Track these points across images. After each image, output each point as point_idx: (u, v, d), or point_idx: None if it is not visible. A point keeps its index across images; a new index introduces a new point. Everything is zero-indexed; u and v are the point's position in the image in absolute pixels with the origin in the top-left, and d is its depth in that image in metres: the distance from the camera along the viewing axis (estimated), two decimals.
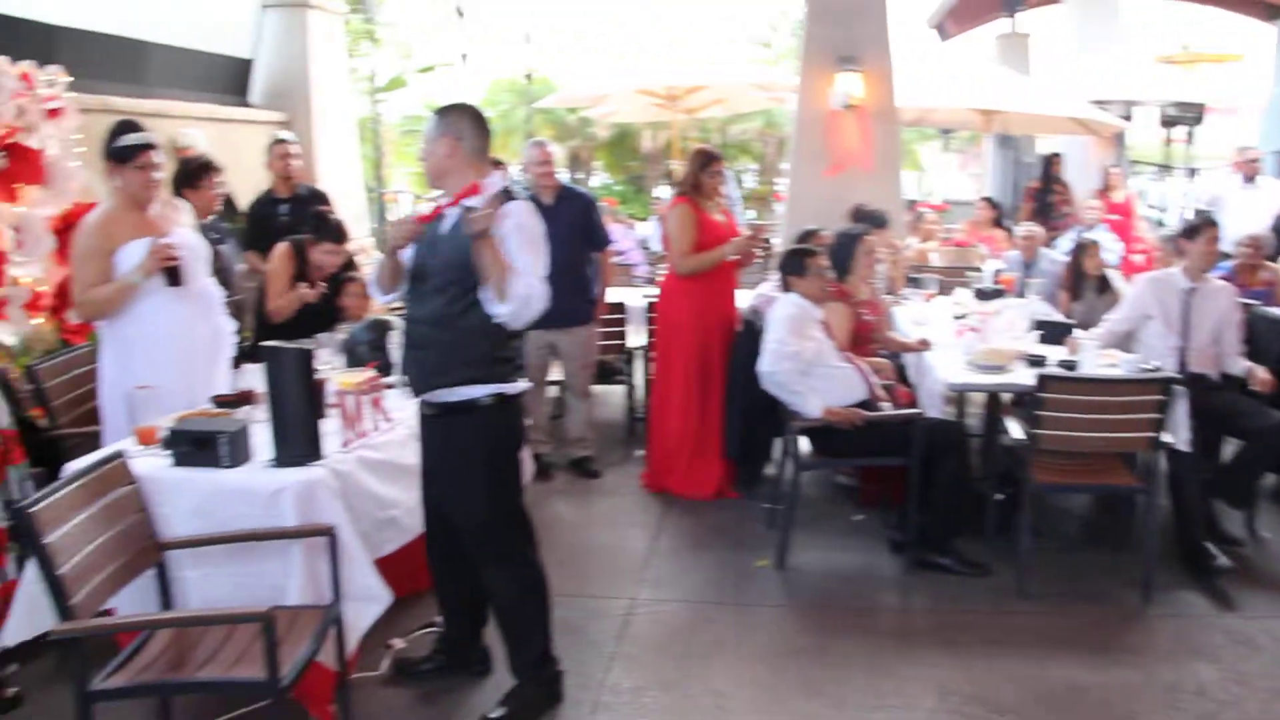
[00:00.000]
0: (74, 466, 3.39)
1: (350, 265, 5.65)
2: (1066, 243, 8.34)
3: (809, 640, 4.27)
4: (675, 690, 3.86)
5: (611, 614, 4.48)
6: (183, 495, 3.41)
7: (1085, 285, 6.91)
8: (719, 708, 3.73)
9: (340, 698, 3.44)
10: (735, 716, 3.68)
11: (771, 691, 3.85)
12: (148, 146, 4.19)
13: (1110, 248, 8.61)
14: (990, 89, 10.92)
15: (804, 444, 4.98)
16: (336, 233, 5.45)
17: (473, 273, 3.33)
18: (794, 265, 5.11)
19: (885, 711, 3.70)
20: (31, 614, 3.30)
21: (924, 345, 5.59)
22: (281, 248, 5.43)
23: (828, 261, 5.24)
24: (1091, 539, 5.39)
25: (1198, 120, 14.48)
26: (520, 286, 3.30)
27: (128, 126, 4.23)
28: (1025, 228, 8.14)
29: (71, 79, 5.77)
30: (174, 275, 4.16)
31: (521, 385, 3.52)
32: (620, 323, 6.87)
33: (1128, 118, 13.28)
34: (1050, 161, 10.97)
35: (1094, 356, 5.03)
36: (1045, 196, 10.59)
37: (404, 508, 3.86)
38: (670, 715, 3.69)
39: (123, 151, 4.16)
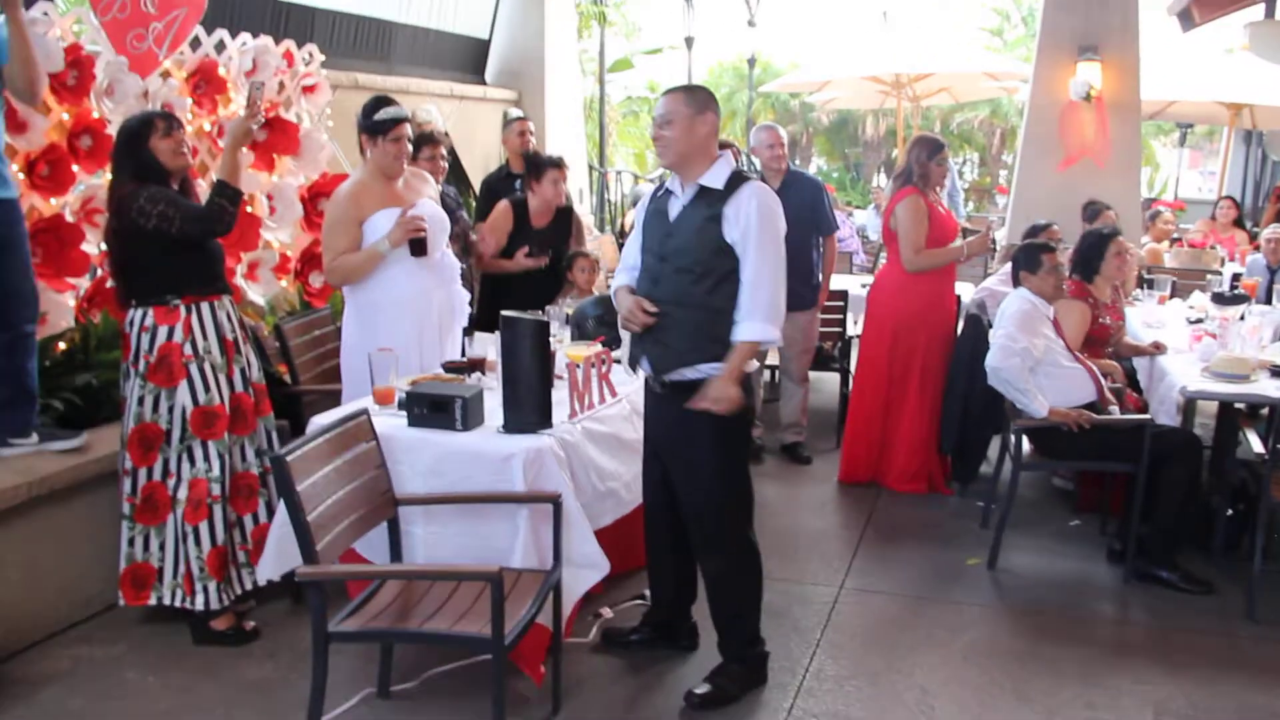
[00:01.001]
0: (321, 420, 3.61)
1: (579, 237, 5.78)
2: None
3: (1019, 643, 4.18)
4: (880, 682, 3.84)
5: (818, 600, 4.49)
6: (418, 454, 3.58)
7: None
8: (924, 704, 3.69)
9: (552, 660, 3.56)
10: (940, 714, 3.63)
11: (978, 692, 3.78)
12: (402, 120, 4.40)
13: None
14: (1239, 81, 10.35)
15: (1025, 443, 4.86)
16: (553, 161, 5.61)
17: (717, 253, 3.38)
18: (1029, 261, 4.97)
19: None
20: (280, 554, 3.54)
21: (1159, 349, 5.38)
22: (502, 205, 5.59)
23: (1062, 259, 5.07)
24: None
25: None
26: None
27: (382, 102, 4.43)
28: (1273, 229, 7.67)
29: (324, 57, 6.11)
30: (419, 246, 4.35)
31: (753, 364, 3.56)
32: (840, 310, 6.82)
33: None
34: None
35: None
36: None
37: (623, 481, 3.95)
38: (873, 706, 3.67)
39: (379, 125, 4.36)
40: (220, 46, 5.39)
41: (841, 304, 6.81)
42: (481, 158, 8.56)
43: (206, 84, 5.28)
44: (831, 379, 7.30)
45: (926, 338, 5.70)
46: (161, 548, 3.93)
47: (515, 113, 8.55)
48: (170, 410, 3.89)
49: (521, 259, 5.44)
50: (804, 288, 6.01)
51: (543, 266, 5.49)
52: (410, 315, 4.42)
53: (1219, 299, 6.56)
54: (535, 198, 5.54)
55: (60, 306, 4.48)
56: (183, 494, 3.91)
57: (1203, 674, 3.94)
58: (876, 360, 5.89)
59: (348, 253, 4.34)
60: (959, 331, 5.75)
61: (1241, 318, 5.77)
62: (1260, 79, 10.55)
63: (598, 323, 4.54)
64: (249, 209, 5.36)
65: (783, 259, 3.42)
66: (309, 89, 5.97)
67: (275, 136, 5.61)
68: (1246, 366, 4.85)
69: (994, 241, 6.52)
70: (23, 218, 4.03)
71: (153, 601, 3.95)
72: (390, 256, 4.32)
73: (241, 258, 5.46)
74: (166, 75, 5.05)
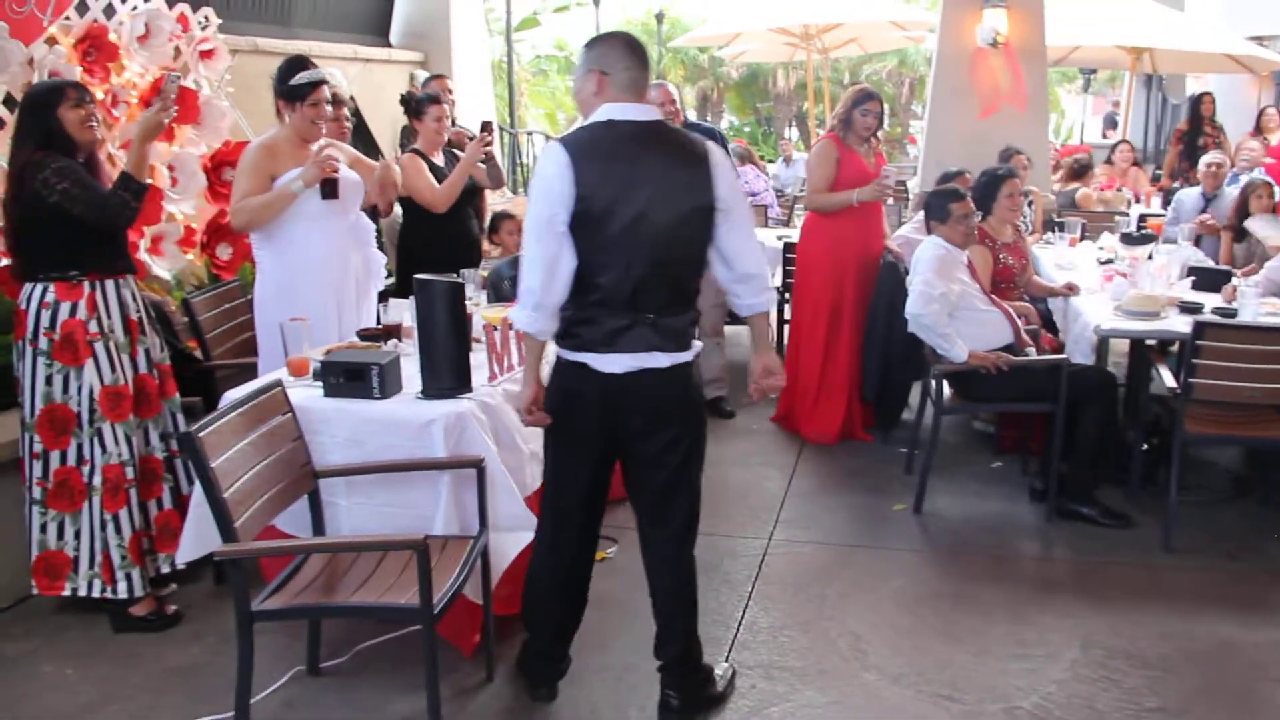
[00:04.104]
0: (234, 395, 3.50)
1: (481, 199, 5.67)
2: (1225, 186, 7.99)
3: (948, 586, 4.23)
4: (813, 630, 3.86)
5: (748, 553, 4.50)
6: (336, 425, 3.48)
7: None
8: (857, 650, 3.72)
9: (485, 629, 3.51)
10: (873, 659, 3.66)
11: (910, 636, 3.82)
12: (320, 83, 4.27)
13: None
14: (1140, 25, 10.52)
15: (945, 388, 4.90)
16: (430, 97, 5.50)
17: None
18: (938, 210, 5.00)
19: (1027, 660, 3.64)
20: (199, 535, 3.44)
21: (1072, 290, 5.47)
22: (404, 159, 5.38)
23: (973, 206, 5.11)
24: (1241, 493, 5.20)
25: None
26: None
27: (298, 64, 4.28)
28: (1212, 155, 7.81)
29: (221, 21, 5.91)
30: (330, 188, 4.22)
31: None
32: None
33: None
34: (1199, 102, 10.49)
35: (1254, 304, 4.84)
36: (1194, 139, 10.16)
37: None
38: (808, 655, 3.69)
39: (296, 90, 4.24)
40: (109, 10, 5.17)
41: None
42: (389, 121, 8.37)
43: (96, 51, 5.05)
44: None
45: (840, 282, 5.75)
46: (77, 536, 3.80)
47: (423, 75, 8.39)
48: (79, 390, 3.75)
49: (475, 149, 5.30)
50: None
51: (489, 141, 5.37)
52: (327, 279, 4.32)
53: (1127, 239, 6.67)
54: (421, 138, 5.44)
55: None
56: (97, 481, 3.77)
57: (1125, 604, 4.03)
58: (798, 306, 5.99)
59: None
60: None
61: (1150, 257, 5.88)
62: (1160, 23, 10.74)
63: (514, 283, 4.45)
64: (149, 180, 5.17)
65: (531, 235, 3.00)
66: (206, 54, 5.76)
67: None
68: (1157, 304, 4.93)
69: (906, 189, 6.56)
70: None
71: (67, 592, 3.83)
72: (303, 212, 4.20)
73: (144, 232, 5.27)
74: (53, 42, 4.83)
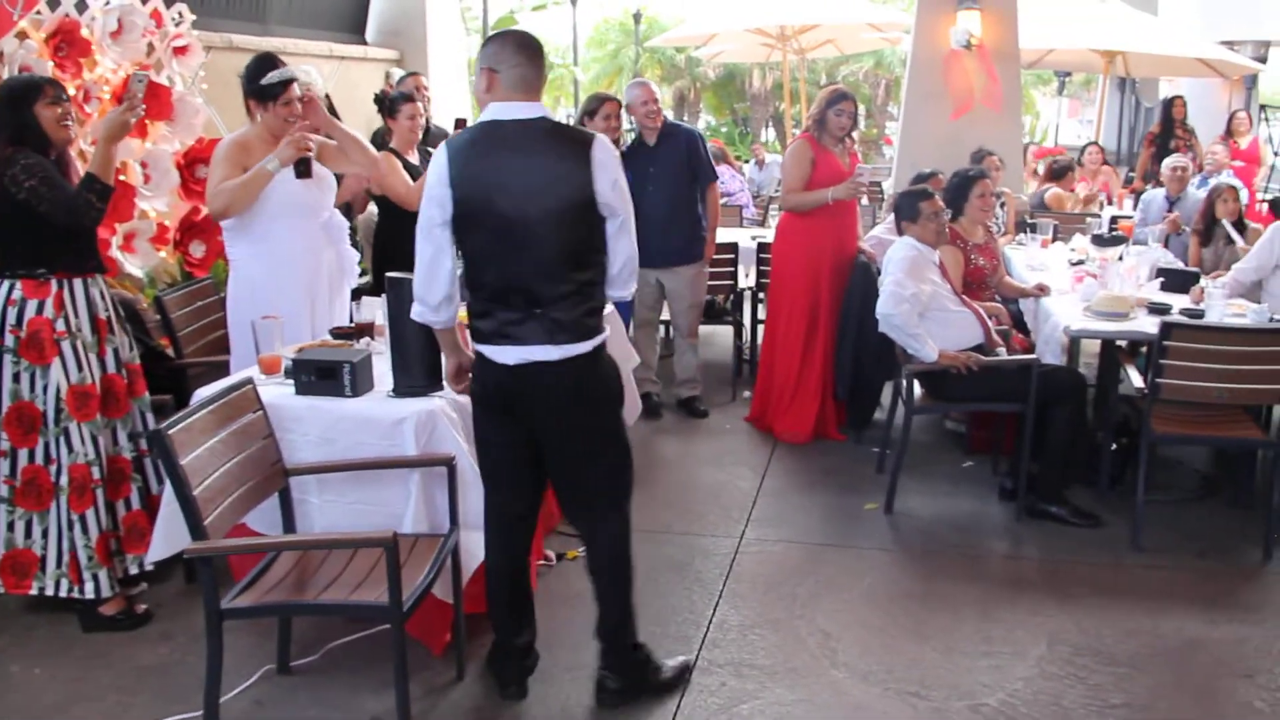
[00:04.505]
0: (205, 392, 3.49)
1: None
2: (1191, 189, 8.09)
3: (917, 585, 4.26)
4: (783, 629, 3.88)
5: (719, 552, 4.51)
6: (308, 423, 3.49)
7: (1216, 232, 6.66)
8: (826, 648, 3.73)
9: (455, 628, 3.52)
10: (843, 657, 3.68)
11: (879, 634, 3.84)
12: (290, 82, 4.27)
13: None
14: (1114, 29, 10.60)
15: (916, 388, 4.93)
16: (404, 96, 5.50)
17: None
18: (909, 210, 5.02)
19: (994, 658, 3.67)
20: (169, 534, 3.43)
21: (1043, 290, 5.50)
22: (383, 155, 5.39)
23: (943, 205, 5.14)
24: (1208, 493, 5.24)
25: None
26: None
27: (266, 63, 4.27)
28: (1175, 159, 7.88)
29: (195, 17, 5.89)
30: (304, 167, 4.23)
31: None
32: (731, 263, 6.83)
33: (1263, 59, 12.74)
34: (1171, 105, 10.58)
35: (1221, 305, 4.89)
36: (1166, 142, 10.25)
37: None
38: (778, 654, 3.71)
39: (267, 90, 4.23)
40: (82, 5, 5.15)
41: (732, 256, 6.82)
42: (363, 120, 8.36)
43: (68, 46, 5.02)
44: (726, 332, 7.32)
45: (815, 282, 5.76)
46: (45, 535, 3.77)
47: (398, 73, 8.38)
48: (45, 389, 3.73)
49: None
50: (687, 241, 6.00)
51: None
52: (300, 277, 4.32)
53: (1099, 241, 6.73)
54: (395, 136, 5.42)
55: None
56: (64, 481, 3.75)
57: (1093, 603, 4.07)
58: (774, 305, 6.00)
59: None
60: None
61: (1120, 258, 5.94)
62: (1133, 27, 10.82)
63: None
64: (122, 177, 5.15)
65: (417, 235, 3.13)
66: (180, 50, 5.74)
67: (147, 101, 5.35)
68: (1125, 305, 4.98)
69: (881, 189, 6.59)
70: None
71: (34, 591, 3.80)
72: (277, 210, 4.20)
73: (116, 229, 5.25)
74: (23, 36, 4.81)
